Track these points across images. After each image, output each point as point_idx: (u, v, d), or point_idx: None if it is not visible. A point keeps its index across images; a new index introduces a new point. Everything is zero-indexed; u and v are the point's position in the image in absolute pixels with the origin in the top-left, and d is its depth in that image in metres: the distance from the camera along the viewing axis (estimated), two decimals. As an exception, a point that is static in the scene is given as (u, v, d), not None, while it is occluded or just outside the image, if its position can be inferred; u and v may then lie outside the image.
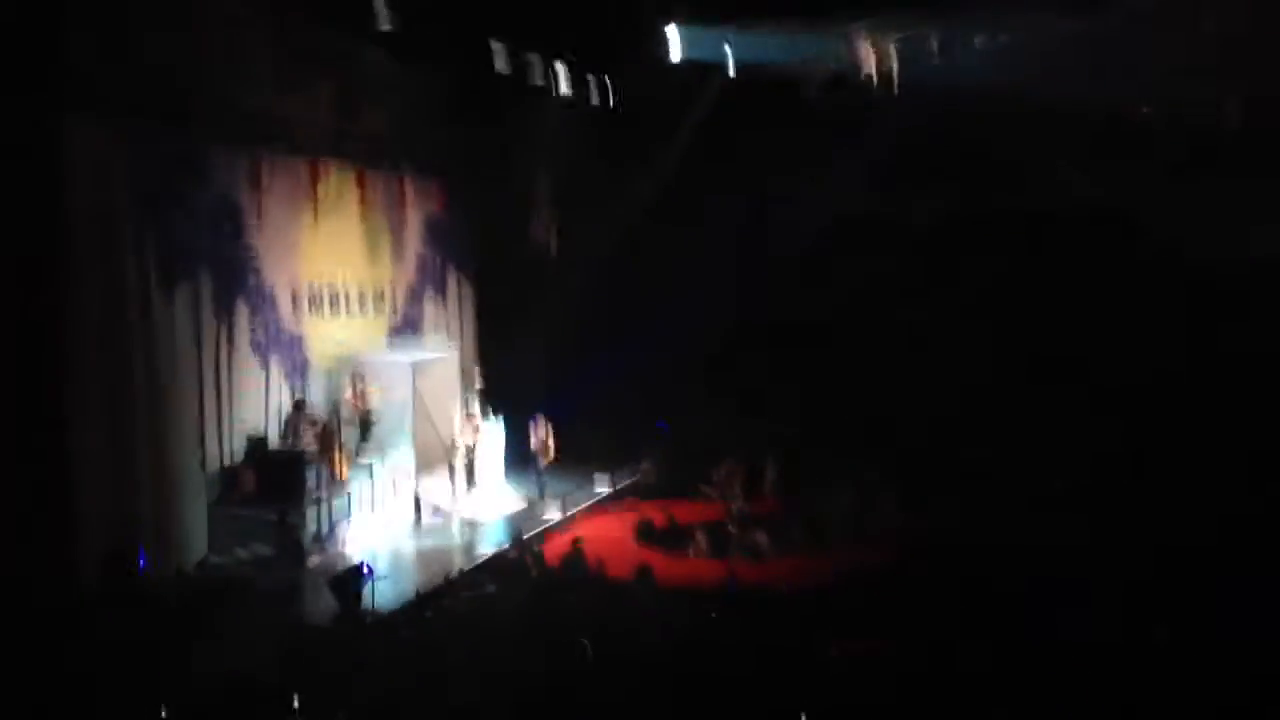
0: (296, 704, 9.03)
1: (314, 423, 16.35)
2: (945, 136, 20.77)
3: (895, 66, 20.15)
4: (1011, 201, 21.55)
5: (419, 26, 17.75)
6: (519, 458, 19.06)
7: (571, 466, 19.79)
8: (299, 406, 16.61)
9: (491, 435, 18.43)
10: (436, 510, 16.69)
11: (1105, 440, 18.07)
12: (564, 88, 21.46)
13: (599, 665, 10.14)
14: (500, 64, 19.48)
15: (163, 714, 9.14)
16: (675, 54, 21.06)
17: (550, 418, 18.90)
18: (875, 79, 20.33)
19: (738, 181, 22.12)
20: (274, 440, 16.32)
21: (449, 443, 17.76)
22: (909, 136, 20.91)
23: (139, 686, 9.69)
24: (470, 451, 17.61)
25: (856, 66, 20.46)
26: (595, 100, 22.14)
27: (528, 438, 18.77)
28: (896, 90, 20.28)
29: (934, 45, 19.75)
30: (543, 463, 18.33)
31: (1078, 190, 21.15)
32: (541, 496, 17.78)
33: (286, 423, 16.54)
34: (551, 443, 18.45)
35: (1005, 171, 21.16)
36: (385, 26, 16.81)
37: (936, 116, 20.29)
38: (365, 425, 17.12)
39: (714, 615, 12.26)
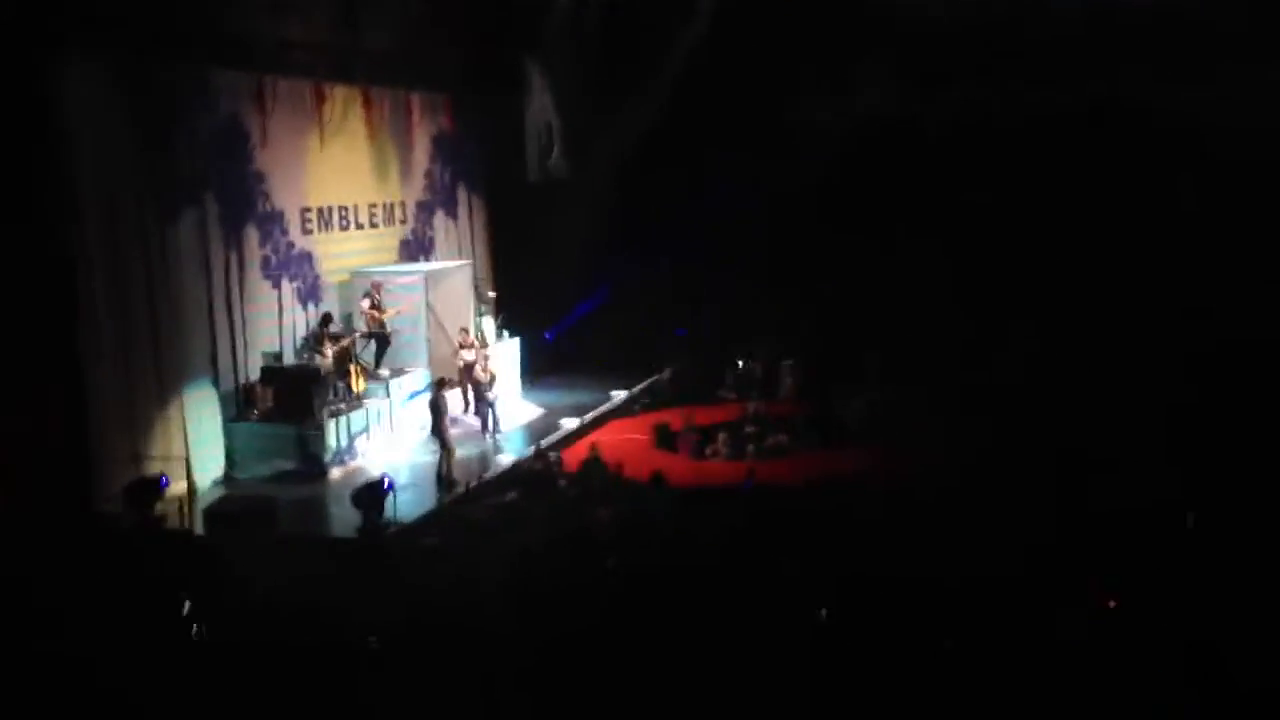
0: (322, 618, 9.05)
1: (335, 338, 16.35)
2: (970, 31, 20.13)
3: None
4: (1040, 101, 20.93)
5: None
6: (533, 369, 18.96)
7: (589, 375, 19.92)
8: (323, 322, 16.51)
9: (505, 349, 18.34)
10: (454, 421, 16.62)
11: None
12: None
13: (622, 571, 10.23)
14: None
15: (193, 636, 9.21)
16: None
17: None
18: None
19: (753, 82, 21.61)
20: (290, 357, 16.37)
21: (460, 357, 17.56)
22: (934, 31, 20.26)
23: (168, 610, 9.72)
24: (478, 367, 17.34)
25: None
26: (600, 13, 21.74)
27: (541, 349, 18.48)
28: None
29: None
30: (487, 392, 17.02)
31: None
32: (486, 427, 16.91)
33: (305, 338, 16.59)
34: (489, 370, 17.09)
35: (1038, 68, 20.51)
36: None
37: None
38: (380, 339, 17.12)
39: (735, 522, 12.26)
